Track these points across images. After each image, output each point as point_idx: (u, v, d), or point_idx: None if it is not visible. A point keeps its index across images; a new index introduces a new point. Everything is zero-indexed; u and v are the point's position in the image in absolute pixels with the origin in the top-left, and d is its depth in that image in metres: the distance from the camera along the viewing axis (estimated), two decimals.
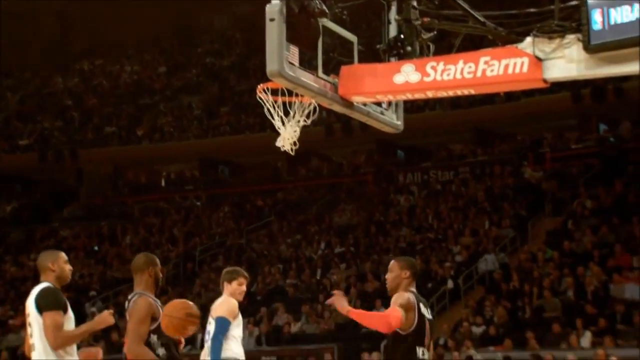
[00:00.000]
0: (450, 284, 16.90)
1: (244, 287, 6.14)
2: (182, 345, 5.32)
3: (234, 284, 6.13)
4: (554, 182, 20.39)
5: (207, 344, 6.01)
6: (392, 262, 5.31)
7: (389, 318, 4.93)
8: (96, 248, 23.55)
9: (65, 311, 4.93)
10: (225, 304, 6.01)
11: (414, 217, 21.13)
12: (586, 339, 13.85)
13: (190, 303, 4.96)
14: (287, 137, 5.59)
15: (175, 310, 4.78)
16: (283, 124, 5.68)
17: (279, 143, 5.72)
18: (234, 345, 5.90)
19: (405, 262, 5.27)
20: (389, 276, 5.23)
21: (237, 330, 5.98)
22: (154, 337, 5.09)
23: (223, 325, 5.90)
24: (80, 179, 27.76)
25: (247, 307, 16.31)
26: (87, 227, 24.63)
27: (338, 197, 23.81)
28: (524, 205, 19.93)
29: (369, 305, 17.28)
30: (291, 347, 16.26)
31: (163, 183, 28.52)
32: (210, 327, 6.02)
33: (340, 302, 4.89)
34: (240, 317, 6.06)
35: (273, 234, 22.79)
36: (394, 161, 24.88)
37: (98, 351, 5.19)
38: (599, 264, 15.97)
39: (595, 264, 15.98)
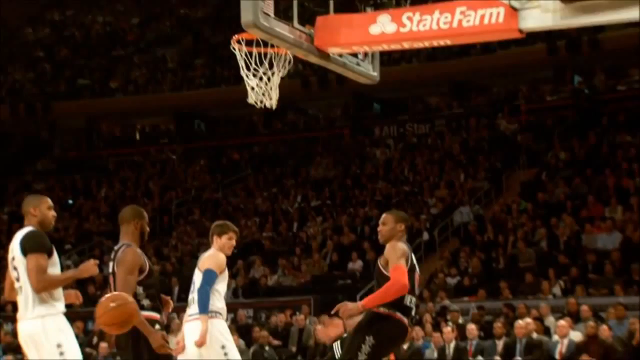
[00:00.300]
0: (425, 236, 17.06)
1: (233, 242, 6.14)
2: (169, 306, 5.32)
3: (224, 238, 6.12)
4: (528, 135, 20.51)
5: (193, 295, 5.97)
6: (386, 215, 5.36)
7: (400, 278, 5.02)
8: (71, 202, 23.43)
9: (50, 255, 4.89)
10: (214, 258, 6.00)
11: (390, 170, 21.19)
12: (558, 288, 14.09)
13: (112, 295, 4.82)
14: (261, 92, 5.53)
15: (106, 307, 4.67)
16: (260, 78, 5.61)
17: (251, 100, 5.67)
18: (217, 300, 5.90)
19: (400, 216, 5.36)
20: (383, 228, 5.29)
21: (221, 285, 5.98)
22: (139, 289, 5.10)
23: (210, 278, 5.88)
24: (53, 132, 27.45)
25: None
26: (61, 180, 24.45)
27: (314, 150, 23.77)
28: (499, 158, 20.05)
29: (345, 257, 17.44)
30: (268, 299, 16.38)
31: (138, 136, 28.26)
32: (197, 279, 6.00)
33: (348, 309, 4.97)
34: (226, 272, 6.05)
35: (249, 188, 22.77)
36: (370, 114, 24.83)
37: (78, 294, 5.19)
38: (572, 215, 16.19)
39: (568, 214, 16.19)
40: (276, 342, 13.66)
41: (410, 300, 5.14)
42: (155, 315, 5.14)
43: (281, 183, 22.55)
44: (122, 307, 4.65)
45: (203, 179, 23.76)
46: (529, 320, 11.40)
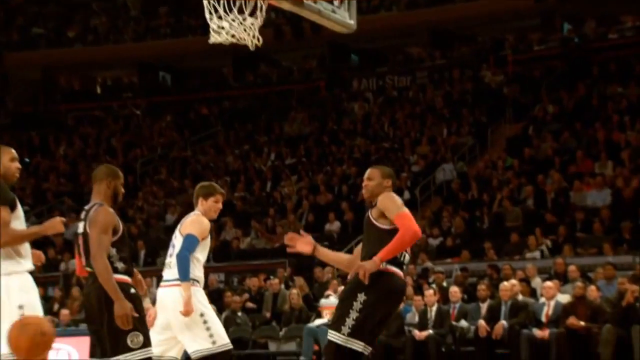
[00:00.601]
0: (406, 194, 17.13)
1: (220, 205, 6.05)
2: (144, 288, 5.31)
3: (210, 200, 6.02)
4: (515, 87, 20.57)
5: (171, 260, 5.90)
6: (372, 169, 5.28)
7: (410, 225, 4.97)
8: (27, 160, 23.19)
9: (13, 208, 4.81)
10: (198, 223, 5.90)
11: (369, 126, 21.19)
12: (545, 248, 14.25)
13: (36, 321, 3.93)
14: (232, 32, 5.43)
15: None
16: (232, 21, 5.51)
17: (215, 39, 5.57)
18: (195, 268, 5.82)
19: (387, 171, 5.30)
20: (369, 183, 5.21)
21: (202, 253, 5.90)
22: (112, 250, 5.08)
23: (191, 243, 5.79)
24: (7, 85, 27.03)
25: None
26: (16, 137, 24.14)
27: (288, 105, 23.68)
28: (483, 112, 20.11)
29: (321, 218, 17.50)
30: (240, 263, 16.43)
31: (98, 90, 27.97)
32: (177, 242, 5.91)
33: (368, 269, 4.87)
34: (208, 239, 5.97)
35: (219, 145, 22.69)
36: (347, 66, 24.73)
37: (40, 255, 5.14)
38: (560, 171, 16.33)
39: (556, 171, 16.33)
40: (250, 305, 13.74)
41: (403, 257, 5.10)
42: (127, 279, 5.11)
43: (253, 140, 22.48)
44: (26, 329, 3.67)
45: (170, 136, 23.61)
46: (514, 281, 11.53)
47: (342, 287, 12.04)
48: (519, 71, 21.29)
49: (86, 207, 5.29)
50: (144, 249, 16.83)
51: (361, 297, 4.96)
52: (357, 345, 4.94)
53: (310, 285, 14.30)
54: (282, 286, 13.83)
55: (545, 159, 17.23)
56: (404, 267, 5.14)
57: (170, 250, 5.98)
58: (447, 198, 17.33)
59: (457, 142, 19.20)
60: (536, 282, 12.37)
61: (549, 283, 11.30)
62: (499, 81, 21.11)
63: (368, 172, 5.31)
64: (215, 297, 13.89)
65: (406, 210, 5.08)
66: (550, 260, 13.65)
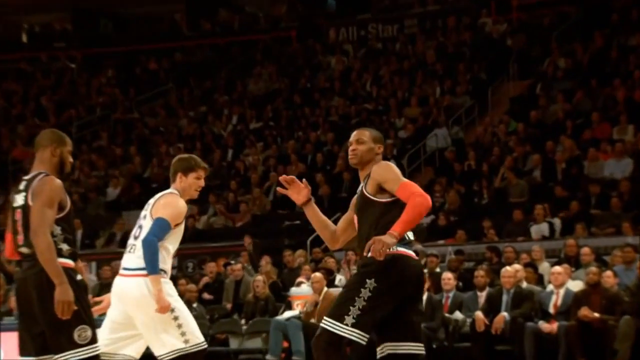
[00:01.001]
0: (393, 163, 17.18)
1: (202, 182, 5.98)
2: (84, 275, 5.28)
3: (191, 177, 5.94)
4: (520, 37, 20.64)
5: (134, 243, 5.83)
6: (362, 131, 5.28)
7: (419, 191, 4.99)
8: None
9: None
10: (172, 205, 5.78)
11: (348, 84, 21.19)
12: (555, 227, 14.39)
13: None
14: None
15: None
16: None
17: None
18: (163, 260, 5.73)
19: (379, 135, 5.32)
20: (358, 147, 5.24)
21: (173, 242, 5.82)
22: (57, 229, 5.08)
23: (162, 229, 5.70)
24: None
25: (140, 197, 16.31)
26: None
27: (253, 58, 23.60)
28: (483, 67, 20.18)
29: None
30: (196, 246, 16.43)
31: (25, 38, 27.65)
32: (145, 224, 5.81)
33: (385, 244, 4.82)
34: (182, 225, 5.89)
35: (171, 106, 22.60)
36: (322, 12, 24.65)
37: None
38: (572, 137, 16.44)
39: (568, 137, 16.45)
40: (207, 296, 13.77)
41: (409, 234, 5.14)
42: (72, 263, 5.10)
43: (212, 100, 22.41)
44: None
45: (111, 95, 23.46)
46: (517, 266, 11.63)
47: (317, 274, 12.09)
48: (525, 19, 21.35)
49: (26, 177, 5.24)
50: (81, 229, 16.74)
51: (371, 283, 4.97)
52: (360, 337, 4.95)
53: (279, 271, 14.35)
54: (245, 273, 13.85)
55: (555, 123, 17.34)
56: (412, 246, 5.19)
57: (135, 232, 5.88)
58: (440, 169, 17.40)
59: (452, 103, 19.26)
60: (544, 267, 12.49)
61: (558, 268, 11.41)
62: (501, 31, 21.16)
63: (357, 134, 5.30)
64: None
65: (406, 179, 5.12)
66: (560, 241, 13.77)
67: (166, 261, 5.78)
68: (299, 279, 12.90)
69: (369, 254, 4.88)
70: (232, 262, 14.43)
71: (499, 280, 11.47)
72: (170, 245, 5.81)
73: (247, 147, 19.80)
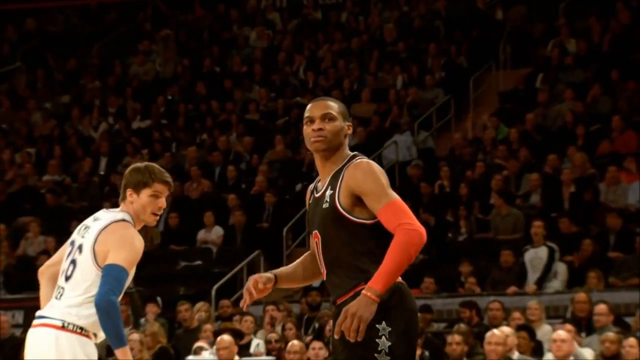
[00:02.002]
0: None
1: (161, 203, 6.01)
2: None
3: (145, 194, 5.98)
4: (516, 9, 20.87)
5: (61, 284, 5.89)
6: (325, 102, 5.26)
7: (409, 223, 5.02)
8: None
9: None
10: (127, 243, 5.86)
11: (275, 68, 21.23)
12: (559, 275, 14.53)
13: None
14: None
15: None
16: None
17: None
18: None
19: (345, 109, 5.34)
20: (327, 126, 5.22)
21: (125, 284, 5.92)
22: None
23: (120, 281, 5.79)
24: None
25: None
26: None
27: (138, 29, 23.52)
28: (463, 49, 20.36)
29: (191, 221, 17.44)
30: None
31: None
32: (83, 262, 5.87)
33: (363, 312, 4.86)
34: (134, 268, 5.99)
35: (18, 94, 22.41)
36: None
37: None
38: (585, 150, 16.63)
39: (579, 149, 16.63)
40: None
41: None
42: None
43: (78, 87, 22.26)
44: None
45: None
46: (507, 330, 11.74)
47: (226, 337, 12.05)
48: None
49: None
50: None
51: (384, 329, 5.04)
52: None
53: (170, 331, 14.29)
54: (127, 330, 13.76)
55: (562, 129, 17.55)
56: None
57: (65, 268, 5.94)
58: (402, 190, 17.44)
59: (420, 98, 19.41)
60: (543, 330, 12.63)
61: (561, 333, 11.54)
62: (488, 0, 21.38)
63: (321, 105, 5.28)
64: (8, 352, 13.73)
65: (396, 195, 5.14)
66: (566, 295, 13.94)
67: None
68: (199, 344, 12.86)
69: (348, 337, 4.90)
70: None
71: (481, 349, 11.54)
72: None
73: (128, 154, 19.69)
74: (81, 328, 5.83)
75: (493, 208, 16.02)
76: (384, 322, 5.03)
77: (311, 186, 5.41)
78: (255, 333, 13.49)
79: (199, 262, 16.72)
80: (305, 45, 21.64)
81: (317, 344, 12.20)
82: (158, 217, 6.08)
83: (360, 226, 5.11)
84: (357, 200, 5.12)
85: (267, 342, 12.84)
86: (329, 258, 5.18)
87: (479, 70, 19.91)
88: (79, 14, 24.60)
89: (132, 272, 5.94)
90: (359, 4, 22.47)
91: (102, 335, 5.88)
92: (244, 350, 12.69)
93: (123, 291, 5.87)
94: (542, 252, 14.56)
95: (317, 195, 5.29)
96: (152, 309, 14.20)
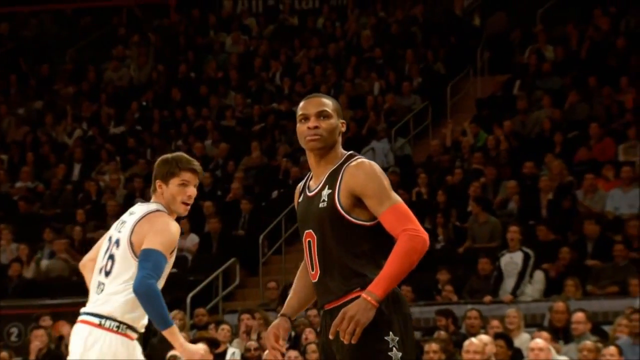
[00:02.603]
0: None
1: (191, 191, 6.06)
2: None
3: (173, 184, 6.06)
4: (494, 15, 20.86)
5: (101, 279, 5.94)
6: (319, 99, 5.23)
7: (413, 228, 4.97)
8: None
9: None
10: (165, 231, 5.93)
11: (251, 74, 21.22)
12: (537, 283, 14.54)
13: None
14: None
15: None
16: None
17: None
18: (137, 308, 5.91)
19: (339, 106, 5.32)
20: (322, 124, 5.21)
21: (164, 273, 5.98)
22: None
23: (158, 266, 5.84)
24: None
25: None
26: None
27: (113, 33, 23.48)
28: (440, 56, 20.38)
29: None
30: (24, 303, 16.22)
31: None
32: (120, 254, 5.94)
33: (361, 316, 4.82)
34: (174, 255, 6.06)
35: None
36: None
37: None
38: (562, 157, 16.67)
39: (556, 156, 16.66)
40: None
41: None
42: None
43: (51, 92, 22.18)
44: None
45: None
46: (485, 338, 11.74)
47: (201, 344, 12.00)
48: None
49: None
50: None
51: (393, 339, 5.01)
52: None
53: (145, 339, 14.24)
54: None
55: (539, 136, 17.58)
56: None
57: (104, 264, 6.00)
58: None
59: (397, 105, 19.41)
60: (522, 339, 12.63)
61: (539, 342, 11.55)
62: (466, 5, 21.41)
63: (316, 103, 5.26)
64: None
65: (399, 198, 5.12)
66: (543, 303, 13.94)
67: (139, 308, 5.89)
68: (172, 352, 12.82)
69: (343, 338, 4.85)
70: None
71: (459, 356, 11.53)
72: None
73: (103, 161, 19.63)
74: (120, 325, 5.90)
75: (470, 215, 16.02)
76: (391, 333, 5.01)
77: (300, 185, 5.36)
78: (231, 342, 13.45)
79: (174, 270, 16.64)
80: (282, 51, 21.62)
81: (292, 353, 12.18)
82: (189, 207, 6.11)
83: (358, 227, 5.08)
84: (357, 201, 5.09)
85: (247, 350, 12.82)
86: (324, 259, 5.13)
87: (456, 77, 19.93)
88: (53, 18, 24.52)
89: (171, 258, 6.00)
90: (336, 10, 22.47)
91: (143, 324, 5.96)
92: (219, 359, 12.65)
93: (163, 276, 5.93)
94: (517, 257, 14.57)
95: (309, 194, 5.23)
96: None
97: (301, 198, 5.32)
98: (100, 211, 18.18)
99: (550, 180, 16.13)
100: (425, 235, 5.01)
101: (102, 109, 21.17)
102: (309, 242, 5.19)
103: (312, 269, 5.18)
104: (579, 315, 12.41)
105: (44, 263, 17.43)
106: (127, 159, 19.75)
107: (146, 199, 17.90)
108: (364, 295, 4.89)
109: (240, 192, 17.69)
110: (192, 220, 17.15)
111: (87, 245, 17.36)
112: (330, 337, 4.94)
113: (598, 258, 14.85)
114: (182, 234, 16.89)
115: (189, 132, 20.02)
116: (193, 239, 17.06)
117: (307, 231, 5.20)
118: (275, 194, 17.97)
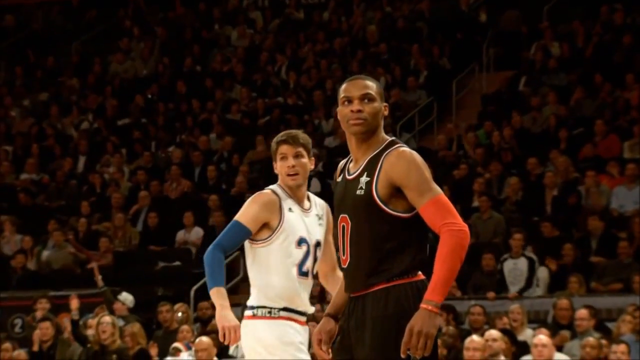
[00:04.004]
0: (315, 184, 17.22)
1: (290, 162, 6.29)
2: None
3: (277, 160, 6.36)
4: (500, 11, 20.84)
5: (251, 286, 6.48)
6: (363, 81, 5.12)
7: (456, 223, 4.95)
8: None
9: None
10: (245, 204, 6.34)
11: (256, 68, 21.22)
12: (540, 280, 14.55)
13: None
14: None
15: None
16: None
17: None
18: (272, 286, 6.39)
19: (382, 90, 5.21)
20: (366, 108, 5.09)
21: (279, 256, 6.36)
22: None
23: (228, 234, 6.35)
24: None
25: None
26: None
27: (118, 26, 23.47)
28: (446, 51, 20.37)
29: (170, 222, 17.41)
30: (27, 294, 16.24)
31: None
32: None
33: (420, 337, 4.77)
34: (286, 224, 6.29)
35: None
36: None
37: None
38: (567, 153, 16.68)
39: (561, 152, 16.66)
40: None
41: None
42: None
43: (56, 84, 22.19)
44: None
45: None
46: (495, 333, 11.71)
47: (203, 338, 12.02)
48: None
49: None
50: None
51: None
52: None
53: (148, 332, 14.24)
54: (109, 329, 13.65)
55: (545, 133, 17.58)
56: None
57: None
58: None
59: (402, 100, 19.41)
60: (526, 334, 12.63)
61: (542, 338, 11.55)
62: (472, 1, 21.40)
63: (360, 85, 5.13)
64: None
65: (440, 190, 5.02)
66: (547, 299, 13.95)
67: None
68: (176, 345, 12.82)
69: (415, 355, 4.80)
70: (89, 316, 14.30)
71: (461, 354, 11.53)
72: (273, 258, 6.47)
73: (108, 153, 19.64)
74: (271, 310, 6.44)
75: (474, 211, 16.02)
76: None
77: (342, 163, 5.27)
78: None
79: (178, 263, 16.69)
80: (288, 45, 21.62)
81: None
82: (295, 178, 6.30)
83: (394, 218, 5.00)
84: (396, 192, 4.99)
85: None
86: (356, 247, 5.06)
87: (462, 73, 19.94)
88: (59, 10, 24.53)
89: (254, 224, 6.38)
90: (342, 4, 22.46)
91: (303, 300, 6.33)
92: (223, 352, 12.65)
93: (234, 244, 6.43)
94: (521, 264, 14.60)
95: (348, 177, 5.14)
96: (132, 324, 14.04)
97: (340, 178, 5.24)
98: (104, 203, 18.19)
99: (555, 177, 16.14)
100: (466, 228, 4.99)
101: (107, 101, 21.18)
102: (343, 226, 5.13)
103: (343, 254, 5.12)
104: (582, 312, 12.42)
105: (45, 254, 17.44)
106: (133, 152, 19.76)
107: (151, 191, 18.00)
108: (423, 305, 4.83)
109: (245, 185, 17.68)
110: (196, 214, 17.18)
111: (91, 237, 17.42)
112: (402, 355, 4.83)
113: (602, 255, 14.87)
114: (183, 227, 17.01)
115: (194, 125, 20.03)
116: (197, 232, 17.07)
117: (342, 215, 5.13)
118: None
